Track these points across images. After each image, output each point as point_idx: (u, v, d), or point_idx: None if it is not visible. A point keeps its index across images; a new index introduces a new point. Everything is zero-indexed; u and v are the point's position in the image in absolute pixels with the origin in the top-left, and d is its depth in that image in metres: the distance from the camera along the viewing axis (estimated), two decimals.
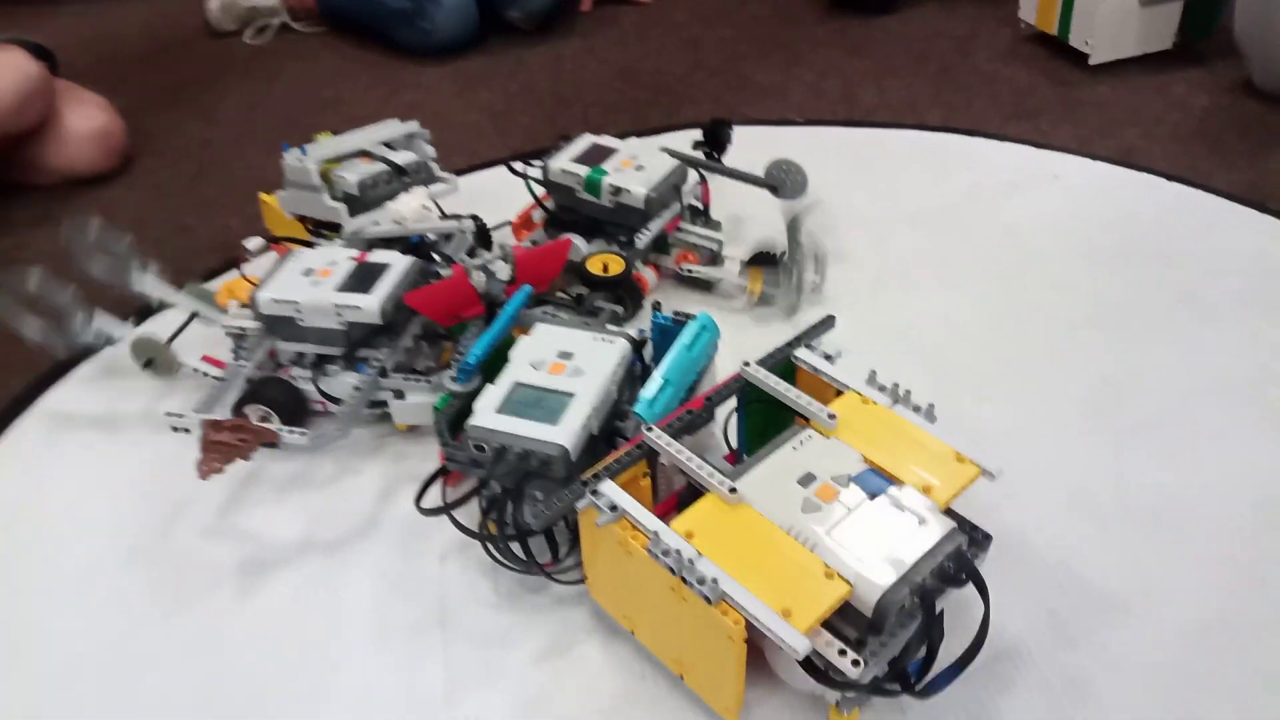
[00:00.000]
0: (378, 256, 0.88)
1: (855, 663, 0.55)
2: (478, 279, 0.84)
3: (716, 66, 1.61)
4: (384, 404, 0.86)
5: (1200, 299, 1.01)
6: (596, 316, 0.89)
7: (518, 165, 1.08)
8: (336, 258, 0.88)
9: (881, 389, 0.70)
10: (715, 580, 0.55)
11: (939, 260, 1.09)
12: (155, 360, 0.93)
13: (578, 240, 1.00)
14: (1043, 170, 1.25)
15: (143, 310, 0.99)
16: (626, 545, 0.60)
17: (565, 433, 0.67)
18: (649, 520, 0.60)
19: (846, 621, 0.58)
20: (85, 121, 1.32)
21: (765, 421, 0.72)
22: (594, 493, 0.62)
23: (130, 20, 1.90)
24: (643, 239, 0.99)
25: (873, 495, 0.61)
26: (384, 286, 0.84)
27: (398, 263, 0.87)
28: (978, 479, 0.63)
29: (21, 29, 1.75)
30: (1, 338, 0.89)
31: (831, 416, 0.66)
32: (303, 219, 1.04)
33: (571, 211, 1.02)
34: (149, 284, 0.92)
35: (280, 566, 0.77)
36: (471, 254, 0.97)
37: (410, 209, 0.98)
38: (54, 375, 0.97)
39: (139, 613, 0.74)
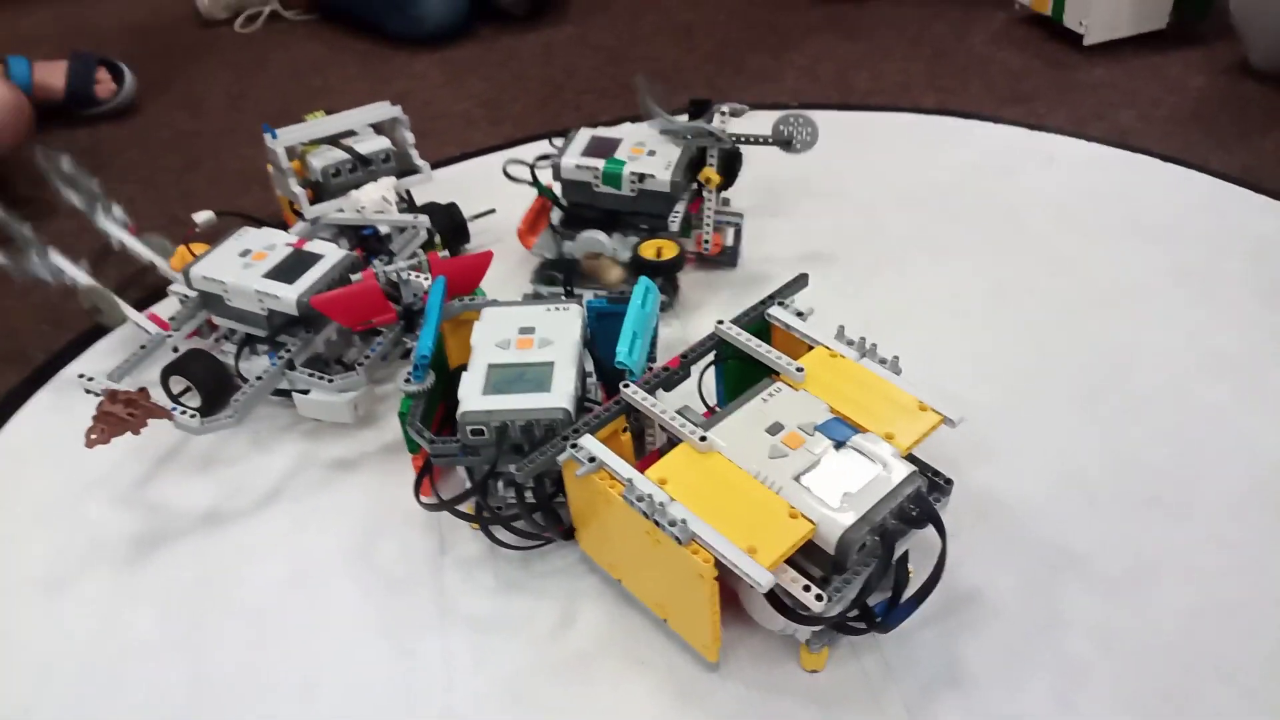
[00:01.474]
0: (315, 246, 0.88)
1: (819, 597, 0.59)
2: (412, 287, 0.85)
3: (709, 52, 1.60)
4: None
5: (1197, 280, 1.01)
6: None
7: (513, 169, 1.04)
8: (276, 241, 0.89)
9: (849, 343, 0.73)
10: (685, 521, 0.58)
11: (934, 242, 1.09)
12: (101, 309, 0.95)
13: (599, 235, 0.98)
14: (1038, 152, 1.25)
15: (101, 253, 1.03)
16: (605, 494, 0.63)
17: (561, 396, 0.69)
18: (624, 469, 0.63)
19: (812, 561, 0.61)
20: None
21: (741, 378, 0.73)
22: (574, 446, 0.64)
23: (115, 9, 1.88)
24: (675, 222, 0.97)
25: (838, 443, 0.64)
26: (308, 279, 0.84)
27: (330, 256, 0.87)
28: (939, 425, 0.66)
29: (3, 20, 1.73)
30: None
31: (800, 369, 0.70)
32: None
33: (589, 208, 0.99)
34: (111, 226, 0.96)
35: (265, 557, 0.76)
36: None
37: (370, 199, 0.97)
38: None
39: (128, 602, 0.73)
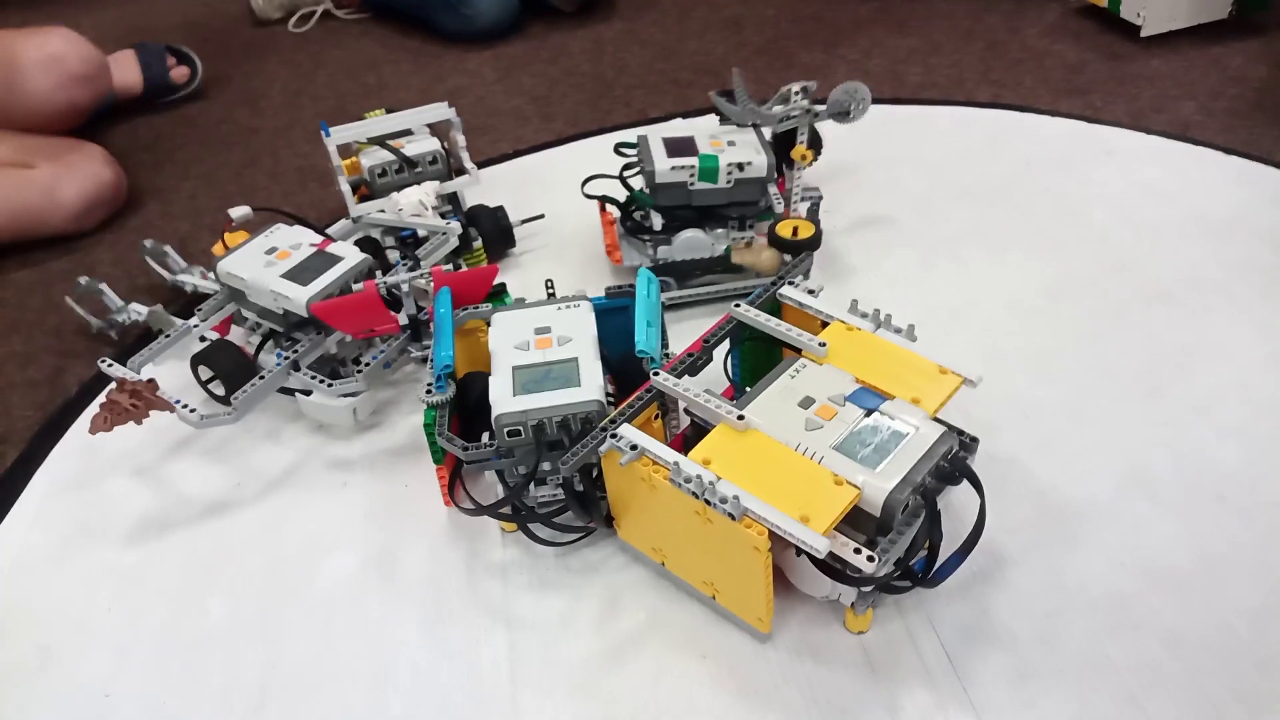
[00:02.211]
0: (337, 248, 0.89)
1: (870, 559, 0.60)
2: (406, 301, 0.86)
3: (759, 46, 1.60)
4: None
5: (1262, 275, 0.99)
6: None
7: (597, 191, 1.05)
8: (302, 241, 0.90)
9: (864, 315, 0.75)
10: (736, 498, 0.60)
11: (991, 238, 1.08)
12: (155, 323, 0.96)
13: (699, 234, 0.97)
14: (1096, 146, 1.23)
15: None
16: (650, 480, 0.64)
17: (593, 389, 0.70)
18: (668, 454, 0.64)
19: (856, 527, 0.63)
20: (85, 183, 1.22)
21: (756, 359, 0.76)
22: (614, 436, 0.66)
23: (172, 11, 1.91)
24: (778, 202, 0.98)
25: (868, 410, 0.66)
26: (322, 281, 0.85)
27: (349, 260, 0.88)
28: (962, 387, 0.69)
29: (65, 20, 1.78)
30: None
31: (821, 344, 0.72)
32: None
33: (684, 209, 0.98)
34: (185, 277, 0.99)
35: (337, 549, 0.78)
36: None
37: (409, 202, 0.98)
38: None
39: (199, 591, 0.75)
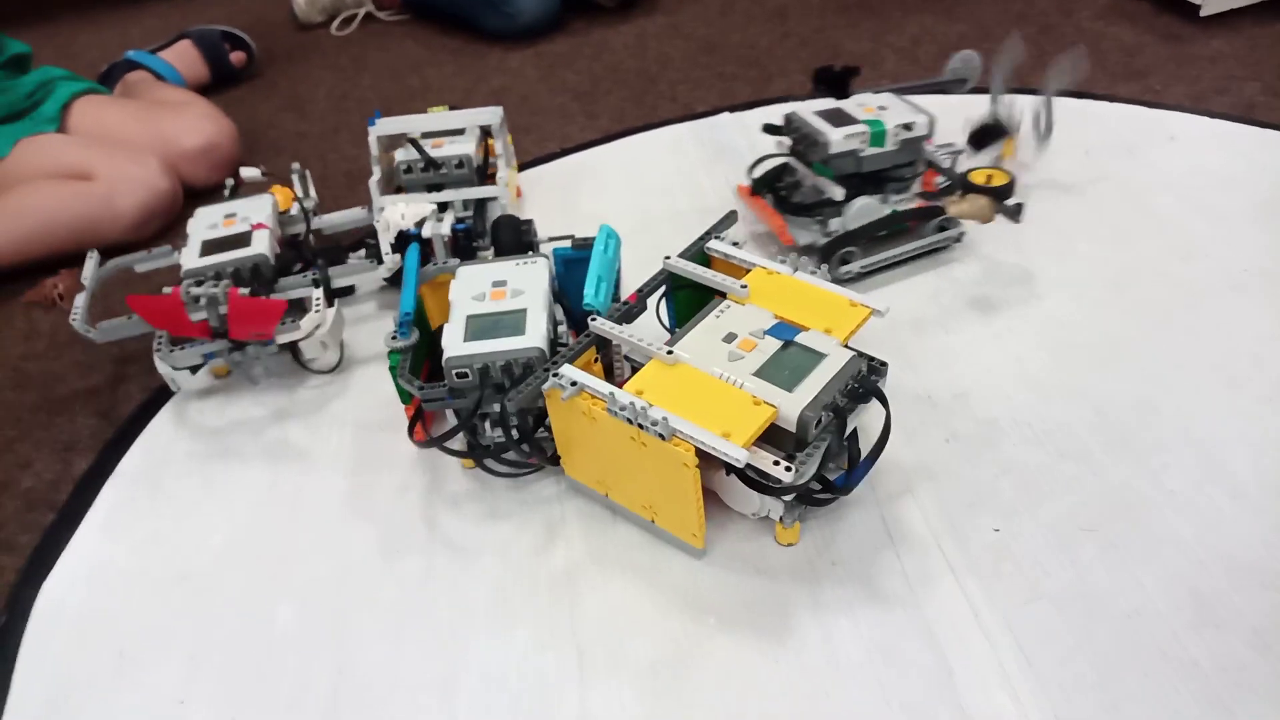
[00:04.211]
0: (258, 235, 0.94)
1: (788, 469, 0.66)
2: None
3: (805, 36, 1.58)
4: None
5: None
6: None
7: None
8: (252, 214, 0.97)
9: (782, 260, 0.81)
10: (665, 419, 0.66)
11: (1056, 226, 1.06)
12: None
13: (871, 200, 0.98)
14: (1158, 131, 1.20)
15: None
16: (590, 413, 0.70)
17: (535, 336, 0.76)
18: (604, 387, 0.70)
19: (777, 444, 0.69)
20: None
21: (691, 307, 0.81)
22: (555, 374, 0.72)
23: (218, 15, 1.93)
24: (945, 162, 1.00)
25: (785, 341, 0.73)
26: (208, 260, 0.92)
27: (252, 248, 0.93)
28: (871, 317, 0.75)
29: (108, 28, 1.82)
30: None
31: (744, 286, 0.78)
32: None
33: (851, 177, 0.99)
34: None
35: (405, 553, 0.78)
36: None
37: (391, 214, 0.97)
38: None
39: (268, 596, 0.76)
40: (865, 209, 0.98)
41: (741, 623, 0.69)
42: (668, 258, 0.83)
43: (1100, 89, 1.31)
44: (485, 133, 1.11)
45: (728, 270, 0.83)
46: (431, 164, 1.04)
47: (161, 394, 0.96)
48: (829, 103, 1.02)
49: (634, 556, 0.75)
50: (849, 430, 0.73)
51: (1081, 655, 0.65)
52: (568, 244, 0.90)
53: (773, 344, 0.72)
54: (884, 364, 0.77)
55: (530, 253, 0.86)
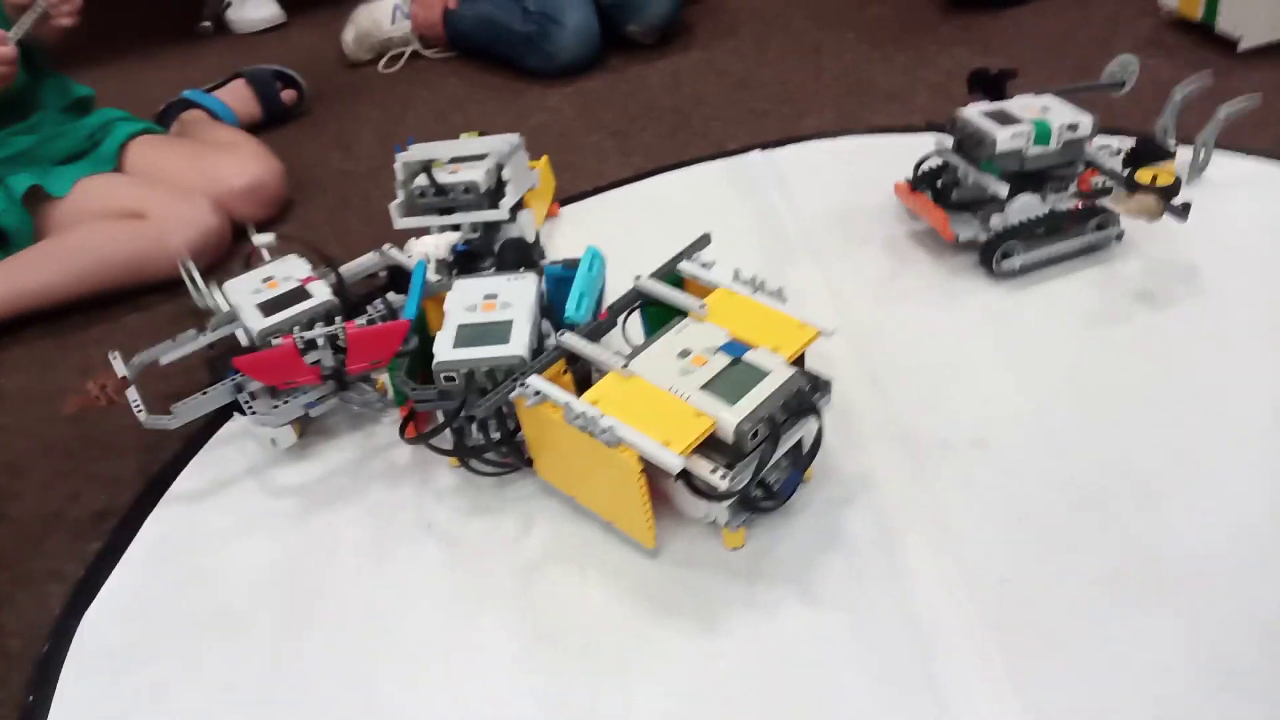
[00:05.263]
0: (313, 286, 0.95)
1: (722, 477, 0.72)
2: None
3: (839, 72, 1.60)
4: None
5: None
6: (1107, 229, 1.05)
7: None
8: (292, 273, 0.98)
9: (744, 282, 0.87)
10: (612, 429, 0.72)
11: (1077, 267, 1.06)
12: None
13: (1032, 197, 1.02)
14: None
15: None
16: (551, 420, 0.77)
17: (519, 346, 0.82)
18: (563, 396, 0.77)
19: (721, 454, 0.74)
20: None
21: (661, 321, 0.86)
22: (523, 384, 0.78)
23: (272, 54, 2.00)
24: (1108, 162, 1.02)
25: (735, 358, 0.78)
26: (282, 315, 0.92)
27: (316, 298, 0.94)
28: (818, 338, 0.80)
29: (172, 67, 1.90)
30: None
31: (702, 306, 0.84)
32: None
33: (1015, 175, 1.03)
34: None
35: (420, 593, 0.81)
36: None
37: (418, 250, 1.03)
38: None
39: (295, 637, 0.79)
40: (1027, 206, 1.02)
41: (681, 615, 0.76)
42: (638, 277, 0.89)
43: (1134, 124, 1.30)
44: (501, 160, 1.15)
45: (697, 290, 0.88)
46: (440, 190, 1.09)
47: (205, 430, 1.01)
48: (991, 106, 1.06)
49: (594, 551, 0.82)
50: (791, 442, 0.78)
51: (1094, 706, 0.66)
52: (555, 264, 0.96)
53: (722, 360, 0.78)
54: (827, 382, 0.82)
55: (521, 269, 0.93)
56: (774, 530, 0.81)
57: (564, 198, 1.35)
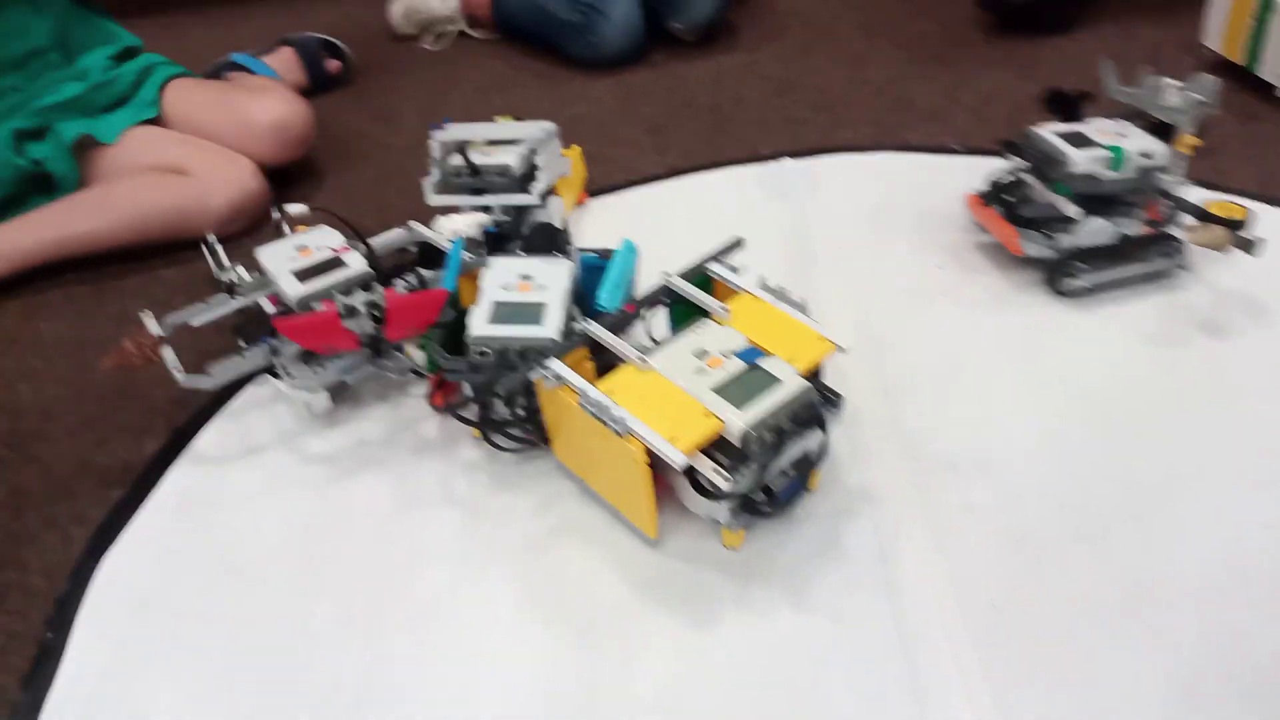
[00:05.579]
0: (348, 256, 0.97)
1: (725, 478, 0.74)
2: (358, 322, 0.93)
3: (880, 85, 1.61)
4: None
5: None
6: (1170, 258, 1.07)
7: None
8: (326, 242, 0.99)
9: (769, 289, 0.89)
10: (623, 419, 0.75)
11: (1138, 293, 1.08)
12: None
13: (1104, 221, 1.03)
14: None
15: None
16: (568, 404, 0.80)
17: (551, 328, 0.85)
18: (580, 382, 0.79)
19: (726, 455, 0.76)
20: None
21: (687, 319, 0.88)
22: (544, 367, 0.81)
23: (317, 23, 2.02)
24: (1179, 192, 1.04)
25: (750, 363, 0.80)
26: (319, 283, 0.93)
27: (351, 268, 0.95)
28: (834, 352, 0.82)
29: (219, 25, 1.93)
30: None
31: (725, 309, 0.87)
32: None
33: (1089, 197, 1.04)
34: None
35: (433, 561, 0.84)
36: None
37: (449, 228, 1.06)
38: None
39: (305, 592, 0.82)
40: (1096, 229, 1.04)
41: (677, 605, 0.78)
42: (667, 274, 0.91)
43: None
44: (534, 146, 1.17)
45: (723, 292, 0.91)
46: (474, 170, 1.11)
47: (229, 390, 1.04)
48: (1064, 126, 1.08)
49: (602, 535, 0.85)
50: (798, 452, 0.80)
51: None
52: (591, 253, 0.99)
53: (737, 364, 0.80)
54: (838, 397, 0.86)
55: (558, 253, 0.96)
56: (774, 535, 0.83)
57: (596, 189, 1.37)
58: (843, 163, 1.38)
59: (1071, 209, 1.04)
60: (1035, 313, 1.06)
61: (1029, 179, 1.09)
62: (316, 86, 1.72)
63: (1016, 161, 1.11)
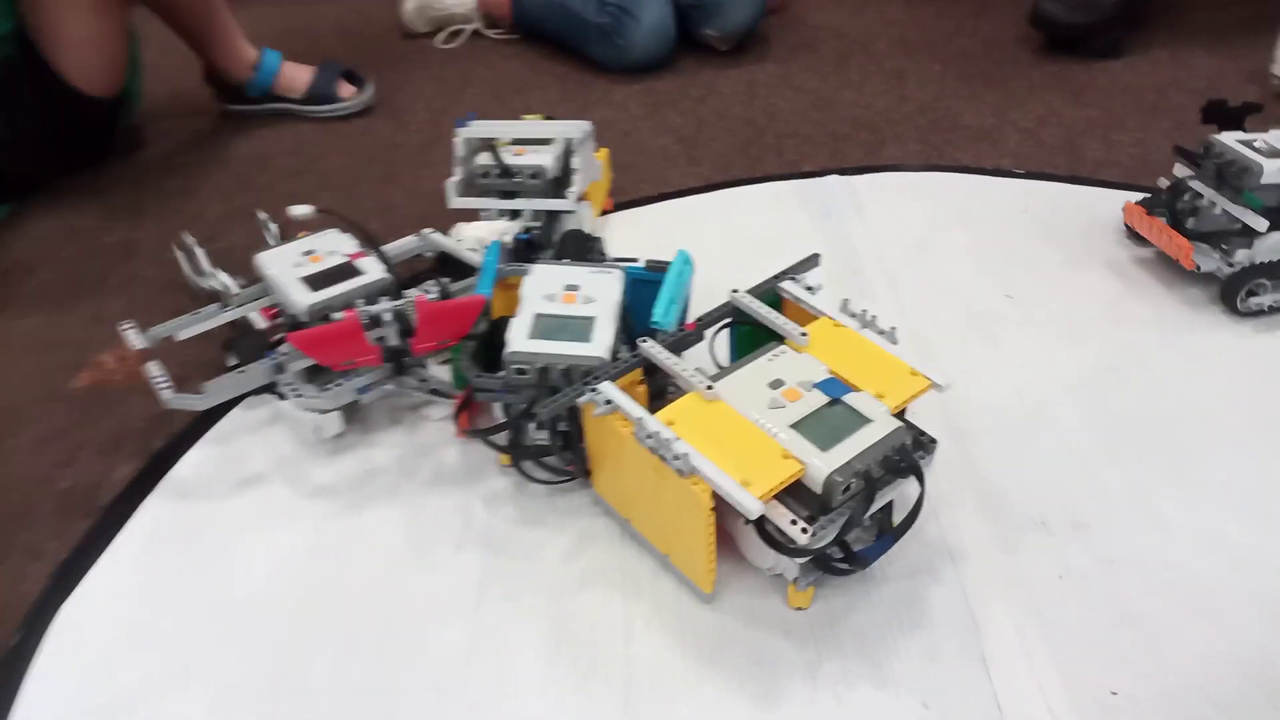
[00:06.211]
0: (363, 263, 0.87)
1: (804, 530, 0.65)
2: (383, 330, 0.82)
3: (924, 103, 1.51)
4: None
5: None
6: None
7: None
8: (336, 247, 0.90)
9: (852, 315, 0.78)
10: (687, 456, 0.65)
11: (1169, 338, 0.97)
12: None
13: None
14: None
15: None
16: (618, 434, 0.70)
17: (601, 346, 0.75)
18: (635, 410, 0.69)
19: (803, 504, 0.67)
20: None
21: (753, 343, 0.78)
22: (593, 390, 0.71)
23: (325, 15, 1.92)
24: None
25: (833, 398, 0.70)
26: (332, 291, 0.84)
27: (369, 275, 0.86)
28: (929, 389, 0.72)
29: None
30: None
31: (804, 334, 0.76)
32: None
33: (1275, 210, 0.98)
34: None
35: (447, 619, 0.72)
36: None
37: (471, 235, 0.97)
38: None
39: (303, 642, 0.70)
40: (1279, 244, 0.97)
41: (732, 676, 0.67)
42: (735, 291, 0.81)
43: None
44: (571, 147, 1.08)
45: (796, 315, 0.80)
46: (506, 172, 1.01)
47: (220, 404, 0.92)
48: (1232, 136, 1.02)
49: (645, 586, 0.74)
50: (882, 503, 0.70)
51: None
52: (637, 265, 0.88)
53: (819, 398, 0.70)
54: (933, 440, 0.75)
55: (608, 263, 0.85)
56: (844, 594, 0.72)
57: (624, 200, 1.26)
58: (892, 180, 1.29)
59: (1258, 221, 0.97)
60: (1154, 342, 0.96)
61: (1204, 189, 1.02)
62: (312, 100, 1.55)
63: (1184, 171, 1.04)
